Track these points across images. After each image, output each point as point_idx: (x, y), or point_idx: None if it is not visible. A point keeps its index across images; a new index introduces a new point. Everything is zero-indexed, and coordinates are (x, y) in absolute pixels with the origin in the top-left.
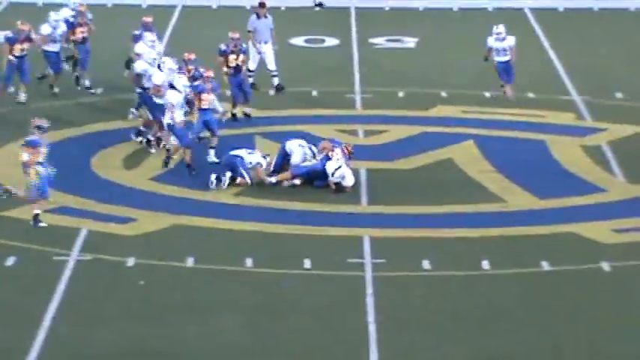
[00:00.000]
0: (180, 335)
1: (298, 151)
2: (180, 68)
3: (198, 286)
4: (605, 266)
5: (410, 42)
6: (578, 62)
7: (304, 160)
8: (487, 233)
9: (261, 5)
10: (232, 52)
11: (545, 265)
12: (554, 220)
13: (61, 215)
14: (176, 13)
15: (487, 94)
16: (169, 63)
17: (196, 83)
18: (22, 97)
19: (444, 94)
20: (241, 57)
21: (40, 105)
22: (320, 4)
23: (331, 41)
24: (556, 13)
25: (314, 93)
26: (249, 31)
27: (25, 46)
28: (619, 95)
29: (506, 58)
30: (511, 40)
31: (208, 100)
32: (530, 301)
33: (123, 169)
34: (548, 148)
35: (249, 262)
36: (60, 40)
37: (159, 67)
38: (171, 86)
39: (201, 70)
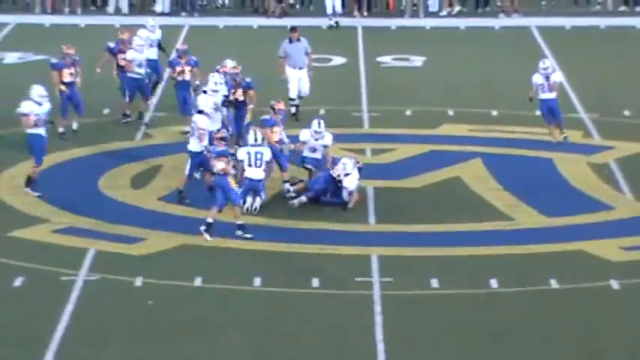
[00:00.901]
0: (188, 355)
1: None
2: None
3: (206, 305)
4: (614, 284)
5: (417, 61)
6: (585, 80)
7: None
8: (495, 251)
9: (292, 30)
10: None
11: (554, 283)
12: (562, 237)
13: (69, 235)
14: (183, 33)
15: (494, 113)
16: (217, 78)
17: (267, 117)
18: (74, 125)
19: (451, 112)
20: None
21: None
22: (336, 23)
23: (338, 60)
24: (563, 31)
25: (321, 111)
26: (280, 57)
27: (73, 70)
28: (626, 113)
29: (553, 96)
30: (558, 76)
31: (278, 132)
32: (538, 319)
33: (131, 188)
34: (556, 166)
35: (257, 281)
36: (144, 65)
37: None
38: (199, 111)
39: (272, 102)
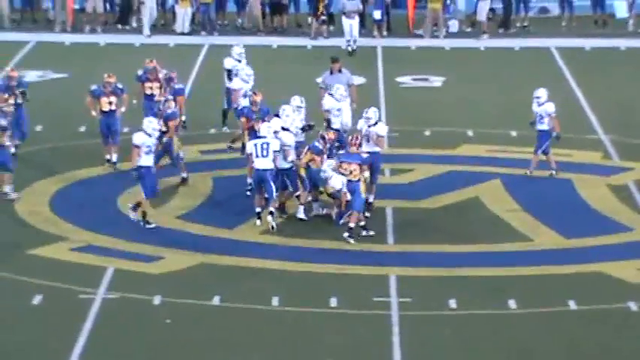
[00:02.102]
0: None
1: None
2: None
3: (224, 324)
4: (633, 306)
5: (436, 81)
6: (604, 101)
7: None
8: (514, 272)
9: (334, 61)
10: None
11: (572, 305)
12: (581, 259)
13: (88, 254)
14: (203, 52)
15: (513, 133)
16: (296, 101)
17: (316, 144)
18: (114, 157)
19: (470, 133)
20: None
21: (67, 144)
22: (353, 51)
23: (358, 80)
24: (582, 51)
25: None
26: (320, 88)
27: (113, 99)
28: None
29: (543, 127)
30: (549, 107)
31: (319, 160)
32: (557, 340)
33: (150, 207)
34: (575, 187)
35: (275, 300)
36: (250, 95)
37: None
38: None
39: (323, 132)
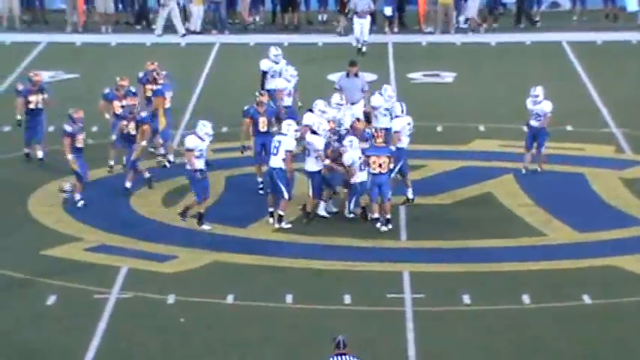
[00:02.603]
0: None
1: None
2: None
3: (238, 322)
4: None
5: (448, 77)
6: (616, 95)
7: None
8: (527, 267)
9: (352, 64)
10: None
11: (587, 299)
12: (595, 253)
13: (102, 253)
14: (214, 51)
15: (525, 128)
16: (320, 105)
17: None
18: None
19: (482, 128)
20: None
21: None
22: (361, 50)
23: (369, 77)
24: (594, 46)
25: None
26: (336, 89)
27: (125, 103)
28: None
29: (537, 124)
30: (546, 106)
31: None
32: (571, 335)
33: (163, 206)
34: (588, 181)
35: (289, 298)
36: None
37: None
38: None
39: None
